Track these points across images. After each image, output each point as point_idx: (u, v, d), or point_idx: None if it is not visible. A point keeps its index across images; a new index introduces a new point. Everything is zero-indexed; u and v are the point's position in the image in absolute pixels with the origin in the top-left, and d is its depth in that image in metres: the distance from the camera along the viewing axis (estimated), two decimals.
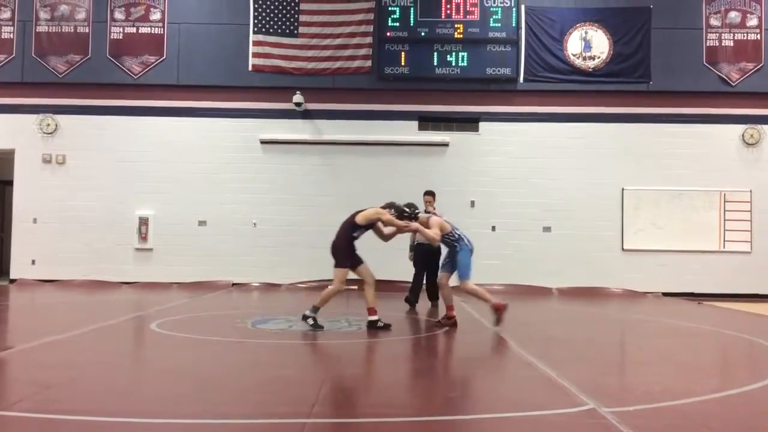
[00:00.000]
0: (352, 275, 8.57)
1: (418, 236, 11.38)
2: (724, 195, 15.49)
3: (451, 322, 8.81)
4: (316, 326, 8.31)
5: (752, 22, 15.77)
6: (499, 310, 8.66)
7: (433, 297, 11.56)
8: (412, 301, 11.44)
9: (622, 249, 15.52)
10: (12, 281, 15.55)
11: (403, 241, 14.53)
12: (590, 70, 15.64)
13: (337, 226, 8.71)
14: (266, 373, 6.17)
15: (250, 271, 15.53)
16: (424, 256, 11.53)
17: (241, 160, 15.68)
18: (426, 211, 11.71)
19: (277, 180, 15.65)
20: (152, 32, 15.84)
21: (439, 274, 9.19)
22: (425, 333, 8.25)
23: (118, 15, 15.87)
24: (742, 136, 15.66)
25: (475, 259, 15.08)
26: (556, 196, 15.51)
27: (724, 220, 15.46)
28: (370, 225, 8.57)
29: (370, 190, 15.46)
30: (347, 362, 6.73)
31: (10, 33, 15.87)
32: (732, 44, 15.72)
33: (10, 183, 16.19)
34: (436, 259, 10.87)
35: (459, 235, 8.82)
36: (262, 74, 15.69)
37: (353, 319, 9.40)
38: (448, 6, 15.61)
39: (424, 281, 11.79)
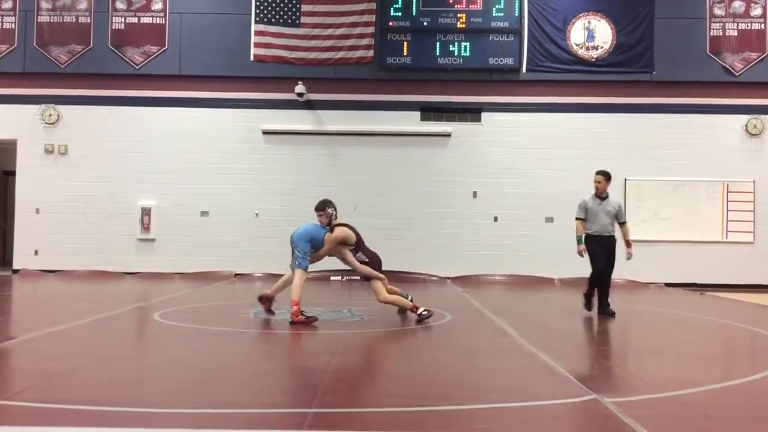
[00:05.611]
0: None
1: (588, 226, 9.79)
2: (727, 185, 15.45)
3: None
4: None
5: (756, 11, 15.69)
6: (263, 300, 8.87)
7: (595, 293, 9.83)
8: (589, 298, 9.82)
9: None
10: (15, 271, 15.59)
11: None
12: (593, 60, 15.58)
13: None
14: (268, 363, 6.18)
15: (253, 261, 15.53)
16: (604, 247, 9.85)
17: (243, 151, 15.67)
18: (595, 195, 10.03)
19: (279, 170, 15.64)
20: (154, 22, 15.80)
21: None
22: (427, 324, 8.25)
23: (120, 5, 15.82)
24: (746, 126, 15.61)
25: (477, 250, 15.27)
26: (558, 186, 15.46)
27: (727, 210, 15.44)
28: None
29: (372, 180, 15.54)
30: (349, 352, 6.74)
31: (12, 23, 15.84)
32: (736, 34, 15.64)
33: (13, 173, 16.22)
34: (613, 250, 9.80)
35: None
36: (263, 64, 15.64)
37: (355, 310, 9.44)
38: None
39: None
